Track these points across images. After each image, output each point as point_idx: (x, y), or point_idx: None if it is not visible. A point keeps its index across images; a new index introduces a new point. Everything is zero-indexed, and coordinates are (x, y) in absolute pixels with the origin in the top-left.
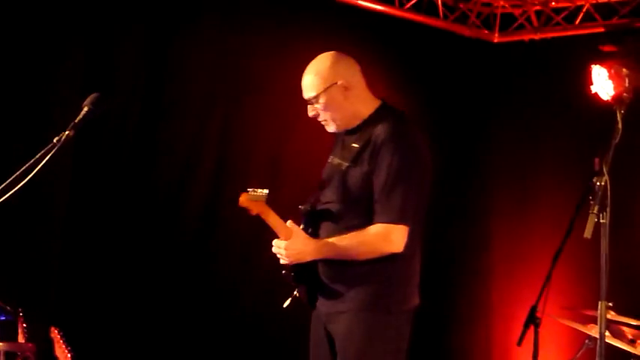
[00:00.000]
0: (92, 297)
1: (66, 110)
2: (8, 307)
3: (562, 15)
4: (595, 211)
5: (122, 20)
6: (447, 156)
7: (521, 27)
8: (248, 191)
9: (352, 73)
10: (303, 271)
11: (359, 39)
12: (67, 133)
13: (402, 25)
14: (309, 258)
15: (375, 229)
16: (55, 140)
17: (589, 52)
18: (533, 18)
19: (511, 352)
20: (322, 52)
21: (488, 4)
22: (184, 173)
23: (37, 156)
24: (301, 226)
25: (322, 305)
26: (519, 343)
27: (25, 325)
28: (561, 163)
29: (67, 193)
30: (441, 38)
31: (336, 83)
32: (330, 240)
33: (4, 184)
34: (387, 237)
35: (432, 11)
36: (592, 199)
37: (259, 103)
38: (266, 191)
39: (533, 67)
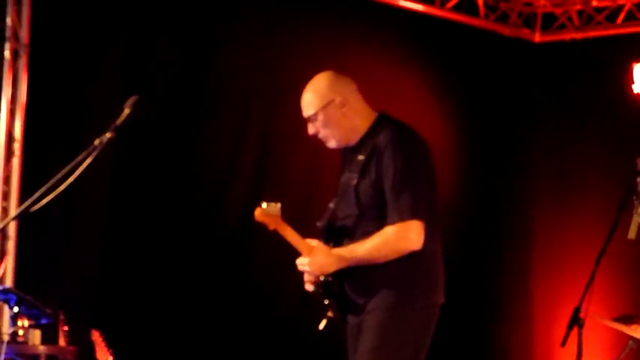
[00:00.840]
0: (133, 299)
1: (106, 112)
2: (49, 310)
3: (603, 14)
4: (639, 212)
5: (161, 22)
6: (488, 156)
7: (562, 26)
8: (261, 205)
9: (349, 90)
10: (331, 286)
11: (398, 39)
12: (107, 135)
13: (443, 25)
14: (333, 269)
15: (391, 229)
16: (95, 143)
17: (631, 51)
18: (575, 17)
19: (554, 353)
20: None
21: (529, 4)
22: (224, 176)
23: (78, 159)
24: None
25: (352, 317)
26: (563, 344)
27: (66, 328)
28: (603, 163)
29: (107, 195)
30: (482, 38)
31: (333, 100)
32: (350, 247)
33: (45, 187)
34: (405, 235)
35: (473, 11)
36: (635, 199)
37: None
38: (279, 205)
39: (574, 66)
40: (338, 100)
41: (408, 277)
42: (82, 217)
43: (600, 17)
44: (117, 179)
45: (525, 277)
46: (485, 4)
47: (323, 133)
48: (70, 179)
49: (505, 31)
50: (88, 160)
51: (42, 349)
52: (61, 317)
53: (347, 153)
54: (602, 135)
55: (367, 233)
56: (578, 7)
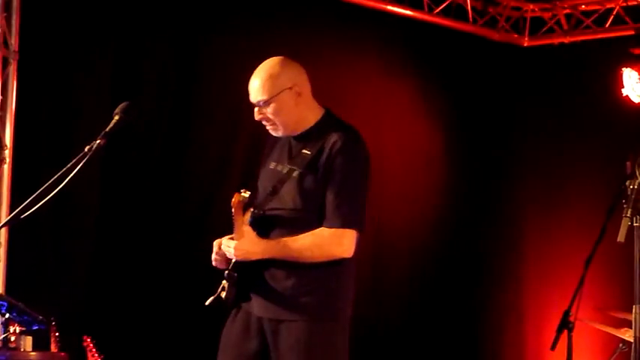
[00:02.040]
0: (124, 305)
1: (96, 119)
2: (41, 317)
3: (592, 18)
4: (628, 215)
5: (150, 28)
6: (477, 159)
7: (550, 30)
8: (240, 192)
9: (303, 79)
10: (247, 272)
11: (387, 44)
12: (98, 141)
13: (431, 29)
14: (257, 257)
15: (329, 232)
16: (86, 149)
17: (620, 55)
18: (563, 21)
19: (544, 357)
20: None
21: (518, 8)
22: (214, 179)
23: (69, 165)
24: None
25: (262, 309)
26: (553, 347)
27: (57, 334)
28: (593, 166)
29: (97, 202)
30: (471, 43)
31: (289, 88)
32: (282, 240)
33: (36, 193)
34: (340, 240)
35: (461, 16)
36: (625, 203)
37: None
38: (248, 194)
39: (563, 70)
40: (294, 88)
41: (335, 286)
42: (72, 224)
43: (589, 21)
44: (107, 185)
45: (516, 280)
46: (474, 9)
47: (271, 120)
48: (61, 186)
49: (494, 35)
50: (79, 167)
51: (34, 355)
52: (53, 323)
53: (280, 140)
54: (591, 138)
55: (302, 230)
56: (567, 11)
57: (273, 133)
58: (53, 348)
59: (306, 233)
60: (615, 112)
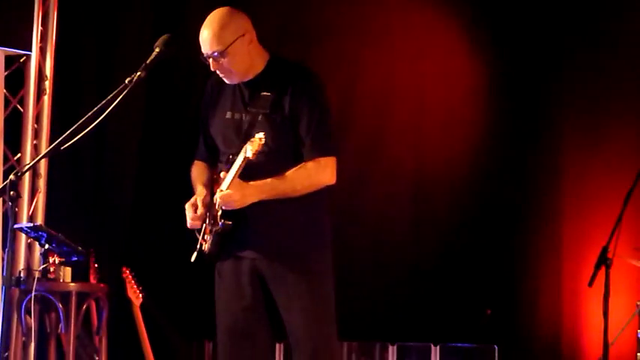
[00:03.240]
0: (164, 238)
1: (138, 50)
2: (80, 248)
3: None
4: None
5: None
6: (517, 95)
7: None
8: (259, 138)
9: (251, 26)
10: (235, 220)
11: None
12: (138, 73)
13: None
14: (251, 200)
15: (312, 163)
16: (127, 81)
17: None
18: None
19: (581, 293)
20: None
21: None
22: None
23: (109, 97)
24: None
25: (263, 248)
26: (590, 284)
27: (96, 265)
28: (634, 103)
29: (140, 134)
30: None
31: (242, 35)
32: (270, 180)
33: (76, 125)
34: (325, 169)
35: None
36: None
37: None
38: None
39: (603, 11)
40: (246, 35)
41: (321, 214)
42: (114, 156)
43: None
44: (150, 117)
45: (554, 217)
46: None
47: (226, 69)
48: (101, 118)
49: None
50: (119, 99)
51: (73, 286)
52: (92, 255)
53: (229, 88)
54: (635, 72)
55: (280, 169)
56: None
57: (227, 81)
58: (92, 279)
59: (292, 169)
60: None
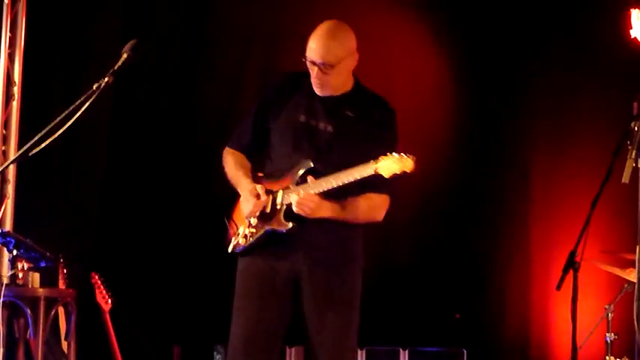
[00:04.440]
0: (132, 242)
1: (105, 56)
2: (48, 253)
3: None
4: (633, 156)
5: None
6: (485, 98)
7: None
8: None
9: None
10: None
11: None
12: (106, 79)
13: None
14: (322, 214)
15: (378, 198)
16: (94, 87)
17: None
18: None
19: (550, 296)
20: None
21: None
22: (224, 117)
23: (77, 102)
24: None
25: (302, 258)
26: (558, 287)
27: (65, 270)
28: (600, 107)
29: (107, 138)
30: None
31: (352, 55)
32: (342, 202)
33: (44, 130)
34: (385, 206)
35: None
36: (630, 144)
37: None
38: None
39: (571, 10)
40: (355, 56)
41: (362, 243)
42: (81, 161)
43: None
44: (117, 122)
45: (522, 221)
46: None
47: (326, 80)
48: (69, 123)
49: None
50: (87, 104)
51: (41, 291)
52: (61, 260)
53: (298, 91)
54: (599, 79)
55: (346, 192)
56: None
57: (318, 91)
58: (61, 285)
59: (360, 197)
60: (624, 52)
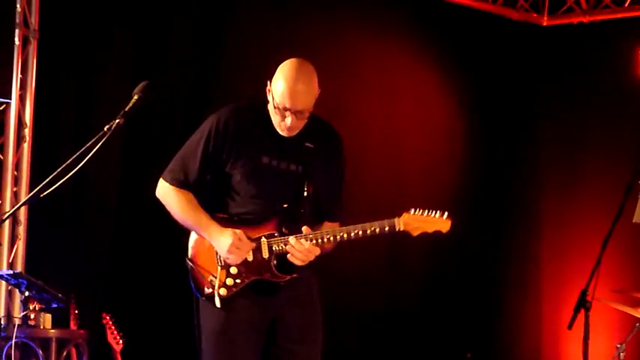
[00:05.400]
0: (144, 283)
1: (116, 98)
2: (60, 295)
3: None
4: None
5: (171, 7)
6: (496, 140)
7: (570, 10)
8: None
9: None
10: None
11: (406, 23)
12: (117, 121)
13: (450, 8)
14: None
15: (338, 225)
16: (105, 128)
17: (638, 34)
18: (582, 1)
19: (561, 336)
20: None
21: None
22: None
23: (88, 144)
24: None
25: (285, 298)
26: (570, 326)
27: (76, 311)
28: (610, 146)
29: (119, 180)
30: (490, 22)
31: (317, 95)
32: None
33: (55, 172)
34: None
35: None
36: None
37: None
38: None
39: (582, 50)
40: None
41: None
42: (93, 202)
43: (608, 0)
44: (128, 164)
45: (533, 260)
46: None
47: (298, 125)
48: (80, 165)
49: (513, 15)
50: (98, 146)
51: (53, 332)
52: (72, 301)
53: (253, 130)
54: (609, 118)
55: (310, 223)
56: None
57: (285, 133)
58: (73, 325)
59: (329, 229)
60: (633, 91)
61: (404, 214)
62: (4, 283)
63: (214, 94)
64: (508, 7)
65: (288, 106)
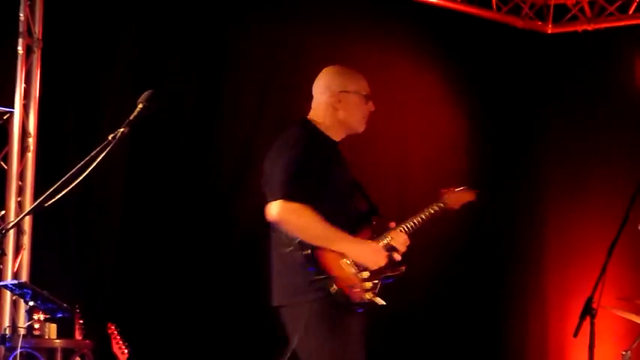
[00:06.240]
0: (149, 292)
1: (120, 107)
2: (65, 304)
3: (615, 5)
4: None
5: (174, 16)
6: (501, 147)
7: (574, 18)
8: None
9: None
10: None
11: (411, 32)
12: (121, 130)
13: (455, 17)
14: None
15: None
16: (109, 137)
17: None
18: (587, 8)
19: (567, 344)
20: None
21: None
22: (240, 169)
23: (92, 153)
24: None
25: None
26: (576, 334)
27: (81, 321)
28: (616, 153)
29: (123, 189)
30: (495, 30)
31: None
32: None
33: (60, 181)
34: None
35: (485, 3)
36: None
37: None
38: None
39: (586, 58)
40: None
41: None
42: (97, 211)
43: (612, 8)
44: (133, 173)
45: (538, 268)
46: None
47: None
48: (84, 174)
49: (518, 23)
50: (102, 155)
51: (58, 342)
52: (77, 311)
53: (326, 144)
54: (614, 125)
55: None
56: None
57: (361, 127)
58: (78, 335)
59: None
60: (638, 98)
61: (442, 194)
62: (8, 293)
63: (219, 103)
64: (513, 15)
65: (369, 90)
